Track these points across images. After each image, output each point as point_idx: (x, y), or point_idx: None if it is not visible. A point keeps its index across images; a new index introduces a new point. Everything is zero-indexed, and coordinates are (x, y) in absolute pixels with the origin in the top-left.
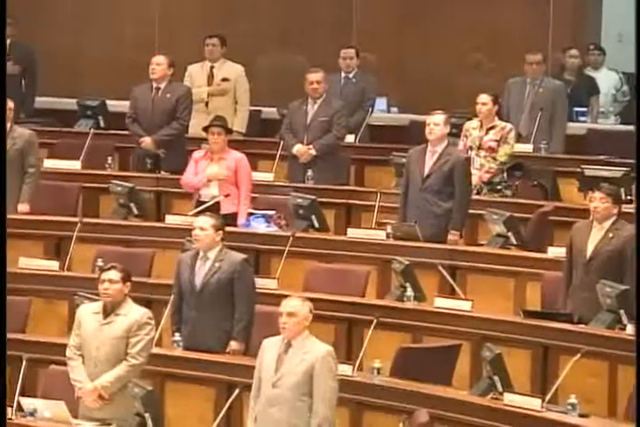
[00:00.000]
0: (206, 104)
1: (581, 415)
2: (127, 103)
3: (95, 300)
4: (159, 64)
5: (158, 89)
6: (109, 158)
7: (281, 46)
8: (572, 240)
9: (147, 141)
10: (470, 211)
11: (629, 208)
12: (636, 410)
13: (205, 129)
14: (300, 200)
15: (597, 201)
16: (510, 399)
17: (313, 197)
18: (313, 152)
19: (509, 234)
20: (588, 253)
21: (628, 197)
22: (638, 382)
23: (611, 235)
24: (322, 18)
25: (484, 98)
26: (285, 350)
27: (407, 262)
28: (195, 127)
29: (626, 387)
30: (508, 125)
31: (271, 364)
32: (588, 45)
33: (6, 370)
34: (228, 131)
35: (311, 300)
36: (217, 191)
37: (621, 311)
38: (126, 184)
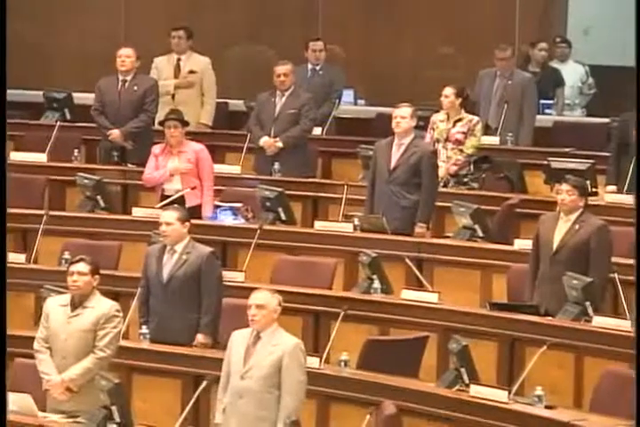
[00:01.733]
0: (173, 97)
1: (547, 407)
2: (94, 95)
3: (62, 292)
4: (129, 56)
5: (125, 81)
6: (76, 151)
7: (248, 38)
8: (539, 232)
9: (115, 134)
10: (437, 203)
11: (595, 200)
12: (636, 410)
13: (162, 123)
14: (267, 193)
15: (564, 193)
16: (477, 391)
17: (280, 189)
18: (280, 144)
19: (476, 226)
20: (555, 245)
21: (594, 190)
22: (638, 382)
23: (577, 227)
24: (289, 10)
25: (446, 91)
26: (254, 343)
27: (374, 255)
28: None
29: (591, 379)
30: (475, 118)
31: (240, 356)
32: (555, 38)
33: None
34: (185, 123)
35: (278, 292)
36: (180, 185)
37: (587, 303)
38: (93, 177)
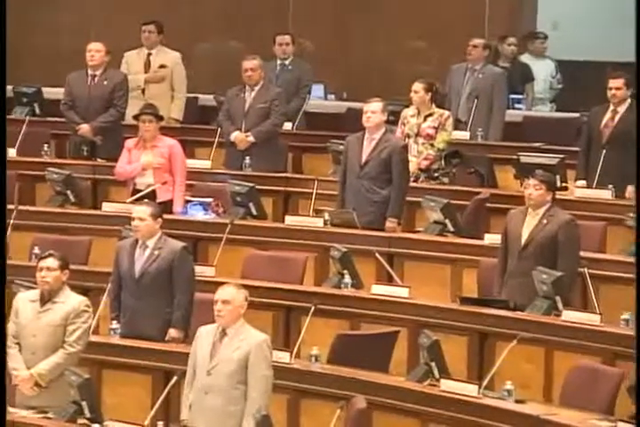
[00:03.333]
0: (143, 91)
1: (517, 401)
2: (63, 90)
3: (33, 288)
4: (98, 51)
5: (94, 76)
6: (45, 146)
7: (218, 33)
8: (507, 227)
9: (84, 129)
10: (408, 198)
11: (565, 195)
12: (636, 409)
13: (136, 117)
14: (237, 187)
15: (531, 188)
16: (447, 386)
17: (251, 184)
18: (251, 139)
19: (446, 221)
20: (523, 239)
21: (564, 184)
22: (638, 381)
23: (545, 221)
24: (259, 5)
25: (415, 86)
26: (220, 338)
27: (345, 250)
28: (131, 114)
29: (561, 373)
30: (446, 112)
31: (206, 352)
32: (531, 33)
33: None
34: (159, 118)
35: (249, 287)
36: (152, 179)
37: (557, 298)
38: (62, 172)
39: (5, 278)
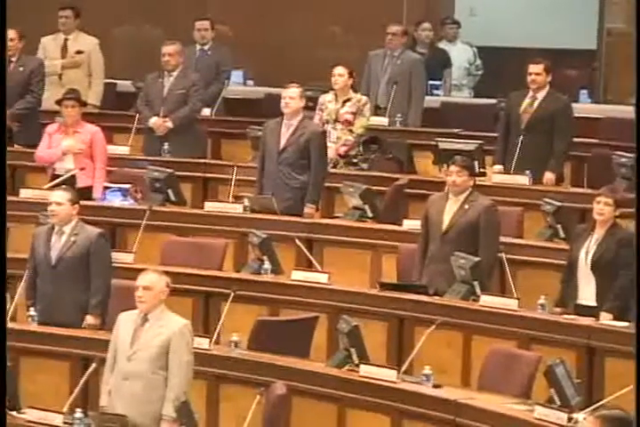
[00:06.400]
0: (60, 77)
1: (435, 386)
2: None
3: None
4: (12, 39)
5: (10, 62)
6: None
7: (136, 18)
8: (428, 212)
9: None
10: (327, 184)
11: (483, 181)
12: (636, 408)
13: (59, 102)
14: (156, 174)
15: (454, 175)
16: (366, 371)
17: (169, 170)
18: (169, 125)
19: (365, 207)
20: (444, 225)
21: (482, 170)
22: (638, 380)
23: (466, 207)
24: None
25: (339, 69)
26: (141, 324)
27: (264, 236)
28: (48, 100)
29: (479, 357)
30: (364, 98)
31: (127, 337)
32: (444, 19)
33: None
34: (82, 104)
35: (168, 273)
36: (72, 165)
37: (475, 283)
38: None
39: (5, 278)
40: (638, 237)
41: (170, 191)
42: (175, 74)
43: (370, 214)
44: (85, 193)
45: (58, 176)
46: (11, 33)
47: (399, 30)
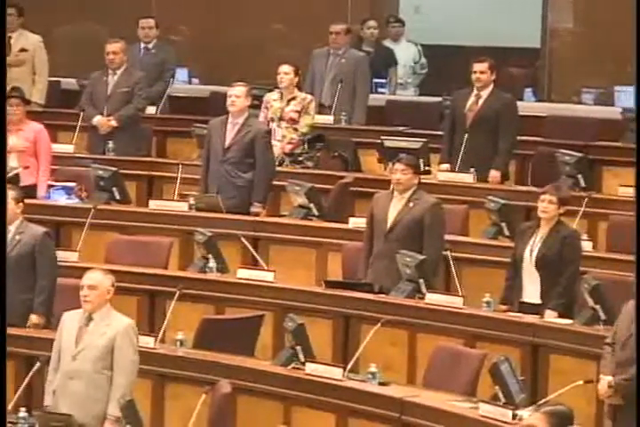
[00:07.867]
0: None
1: (381, 384)
2: None
3: None
4: None
5: None
6: None
7: (80, 16)
8: (373, 210)
9: None
10: (272, 182)
11: (428, 179)
12: (636, 408)
13: None
14: (100, 172)
15: (399, 173)
16: (312, 369)
17: (114, 168)
18: (113, 123)
19: (311, 205)
20: (389, 222)
21: (427, 168)
22: (639, 379)
23: (411, 204)
24: None
25: (285, 68)
26: (86, 323)
27: (210, 234)
28: None
29: (424, 355)
30: (309, 96)
31: (71, 337)
32: (388, 17)
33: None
34: (26, 102)
35: (113, 272)
36: (16, 163)
37: (421, 281)
38: None
39: (5, 277)
40: (638, 235)
41: (115, 190)
42: (119, 72)
43: (315, 213)
44: (30, 191)
45: None
46: None
47: (342, 29)
